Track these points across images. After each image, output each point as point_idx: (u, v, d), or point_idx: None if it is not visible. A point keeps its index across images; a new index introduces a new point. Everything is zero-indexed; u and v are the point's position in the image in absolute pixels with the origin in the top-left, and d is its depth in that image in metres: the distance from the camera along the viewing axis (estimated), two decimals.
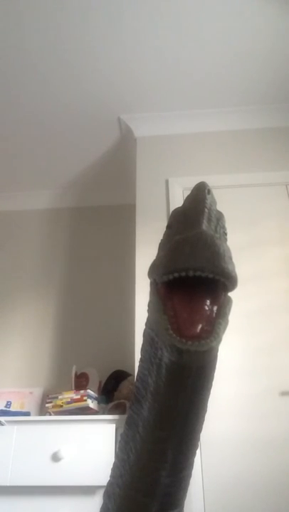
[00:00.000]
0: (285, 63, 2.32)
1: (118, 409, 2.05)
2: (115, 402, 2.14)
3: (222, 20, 2.09)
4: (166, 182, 2.42)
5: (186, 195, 2.08)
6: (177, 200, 2.29)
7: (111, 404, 2.12)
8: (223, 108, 2.58)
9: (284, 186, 2.35)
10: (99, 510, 0.59)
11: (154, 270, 0.48)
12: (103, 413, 2.00)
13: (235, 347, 1.88)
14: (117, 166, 2.97)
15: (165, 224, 0.58)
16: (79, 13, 2.04)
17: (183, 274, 0.42)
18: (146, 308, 0.60)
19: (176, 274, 0.43)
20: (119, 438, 1.71)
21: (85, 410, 1.92)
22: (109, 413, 2.00)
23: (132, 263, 2.19)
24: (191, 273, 0.41)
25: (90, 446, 1.71)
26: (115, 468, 0.59)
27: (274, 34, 2.16)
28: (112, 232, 3.06)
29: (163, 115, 2.62)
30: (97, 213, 3.22)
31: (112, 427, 1.74)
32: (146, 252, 2.13)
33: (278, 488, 1.65)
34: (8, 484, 1.65)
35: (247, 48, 2.24)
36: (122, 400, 2.11)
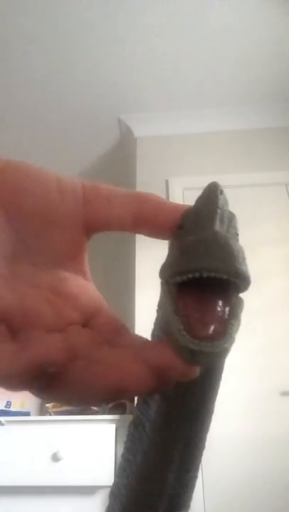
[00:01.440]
0: (285, 63, 2.32)
1: (118, 409, 2.05)
2: (115, 402, 2.14)
3: (222, 20, 2.09)
4: (166, 182, 2.43)
5: (186, 195, 2.07)
6: (177, 200, 2.27)
7: (111, 405, 2.12)
8: (223, 108, 2.59)
9: (284, 186, 2.36)
10: (104, 510, 0.59)
11: (166, 270, 0.48)
12: (103, 413, 2.00)
13: (236, 347, 1.87)
14: (117, 166, 2.97)
15: None
16: (79, 12, 2.04)
17: (197, 274, 0.42)
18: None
19: (190, 275, 0.42)
20: (119, 438, 1.70)
21: (85, 410, 1.92)
22: (109, 413, 2.00)
23: (132, 263, 2.19)
24: (205, 274, 0.41)
25: (90, 446, 1.71)
26: (121, 468, 0.59)
27: (274, 34, 2.17)
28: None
29: (163, 115, 2.62)
30: None
31: (112, 427, 1.74)
32: (146, 253, 2.13)
33: (278, 488, 1.65)
34: (8, 484, 1.65)
35: (247, 48, 2.24)
36: (122, 400, 2.11)
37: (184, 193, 2.32)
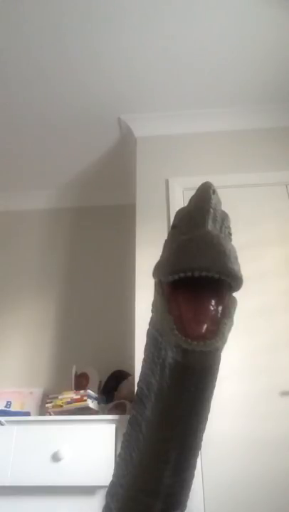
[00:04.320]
0: (284, 63, 2.32)
1: (118, 409, 2.05)
2: (115, 402, 2.14)
3: (222, 20, 2.10)
4: (166, 182, 2.42)
5: (186, 195, 2.07)
6: (177, 200, 2.29)
7: (111, 405, 2.12)
8: (223, 108, 2.58)
9: (284, 186, 2.35)
10: (101, 510, 0.59)
11: (159, 270, 0.48)
12: (103, 413, 2.00)
13: (235, 347, 1.88)
14: (117, 166, 2.97)
15: (165, 224, 0.58)
16: (80, 12, 2.04)
17: (189, 274, 0.42)
18: (149, 308, 0.60)
19: (181, 274, 0.43)
20: (119, 438, 1.70)
21: (85, 410, 1.92)
22: (109, 413, 2.00)
23: (132, 263, 2.19)
24: (197, 273, 0.41)
25: (90, 446, 1.71)
26: (118, 468, 0.59)
27: (274, 34, 2.17)
28: (112, 232, 3.06)
29: (163, 115, 2.62)
30: (97, 213, 3.22)
31: (112, 427, 1.74)
32: (146, 252, 2.13)
33: (278, 487, 1.65)
34: (8, 484, 1.65)
35: (247, 48, 2.24)
36: (122, 400, 2.11)
37: (184, 193, 2.32)
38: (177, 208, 0.61)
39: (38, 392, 2.46)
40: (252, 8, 2.05)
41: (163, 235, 0.62)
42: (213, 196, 0.48)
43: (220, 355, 0.51)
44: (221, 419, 1.73)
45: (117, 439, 1.71)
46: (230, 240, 0.50)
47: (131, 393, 2.00)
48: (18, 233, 3.21)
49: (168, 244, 0.53)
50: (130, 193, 2.72)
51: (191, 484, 0.58)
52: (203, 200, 0.47)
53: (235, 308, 0.47)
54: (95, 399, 2.00)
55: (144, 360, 0.60)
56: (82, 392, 1.96)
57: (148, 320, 0.62)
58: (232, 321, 0.45)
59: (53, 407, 1.93)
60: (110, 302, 2.77)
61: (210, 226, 0.44)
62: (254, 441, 1.73)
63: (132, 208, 2.49)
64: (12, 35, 2.13)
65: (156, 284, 0.52)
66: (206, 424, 0.55)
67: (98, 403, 2.03)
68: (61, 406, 1.91)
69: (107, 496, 0.59)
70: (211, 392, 0.54)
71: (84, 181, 3.17)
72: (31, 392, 2.45)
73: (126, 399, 2.10)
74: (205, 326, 0.43)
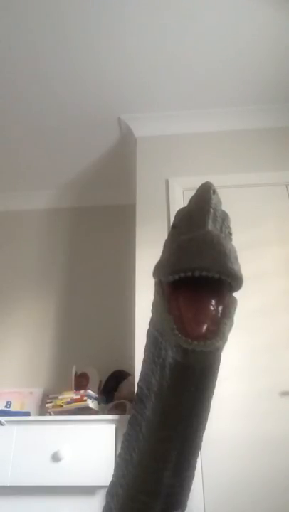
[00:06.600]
0: (284, 63, 2.32)
1: (118, 409, 2.05)
2: (115, 402, 2.14)
3: (222, 20, 2.10)
4: (166, 182, 2.42)
5: (186, 195, 2.08)
6: (177, 200, 2.29)
7: (111, 405, 2.12)
8: (223, 108, 2.59)
9: (284, 186, 2.35)
10: (101, 510, 0.59)
11: (159, 270, 0.48)
12: (103, 413, 2.00)
13: (235, 347, 1.88)
14: (117, 166, 2.97)
15: (165, 224, 0.58)
16: (80, 12, 2.04)
17: (189, 274, 0.42)
18: (149, 308, 0.60)
19: (182, 274, 0.43)
20: (119, 438, 1.70)
21: (85, 410, 1.92)
22: (109, 413, 2.00)
23: (132, 263, 2.19)
24: (197, 273, 0.41)
25: (90, 446, 1.71)
26: (118, 468, 0.60)
27: (274, 34, 2.17)
28: (112, 232, 3.06)
29: (163, 115, 2.62)
30: (97, 213, 3.22)
31: (112, 427, 1.74)
32: (146, 252, 2.13)
33: (278, 487, 1.65)
34: (8, 484, 1.65)
35: (247, 48, 2.24)
36: (122, 400, 2.11)
37: (184, 193, 2.32)
38: (177, 208, 0.61)
39: (38, 392, 2.46)
40: (252, 8, 2.05)
41: (163, 235, 0.63)
42: (213, 196, 0.48)
43: (220, 355, 0.51)
44: (221, 419, 1.73)
45: (117, 439, 1.71)
46: (231, 239, 0.50)
47: (131, 393, 2.00)
48: (18, 233, 3.21)
49: (168, 244, 0.53)
50: (130, 193, 2.72)
51: (191, 484, 0.58)
52: (203, 200, 0.47)
53: (235, 308, 0.47)
54: (95, 399, 2.00)
55: (144, 360, 0.60)
56: (82, 392, 1.96)
57: (148, 320, 0.62)
58: (232, 320, 0.45)
59: (53, 407, 1.93)
60: (110, 302, 2.76)
61: (210, 226, 0.45)
62: (254, 441, 1.73)
63: (132, 207, 2.49)
64: (12, 34, 2.13)
65: (156, 284, 0.52)
66: (206, 424, 0.55)
67: (98, 403, 2.03)
68: (61, 406, 1.91)
69: (107, 495, 0.59)
70: (211, 392, 0.54)
71: (84, 181, 3.17)
72: (31, 392, 2.45)
73: (126, 399, 2.10)
74: (205, 326, 0.43)
